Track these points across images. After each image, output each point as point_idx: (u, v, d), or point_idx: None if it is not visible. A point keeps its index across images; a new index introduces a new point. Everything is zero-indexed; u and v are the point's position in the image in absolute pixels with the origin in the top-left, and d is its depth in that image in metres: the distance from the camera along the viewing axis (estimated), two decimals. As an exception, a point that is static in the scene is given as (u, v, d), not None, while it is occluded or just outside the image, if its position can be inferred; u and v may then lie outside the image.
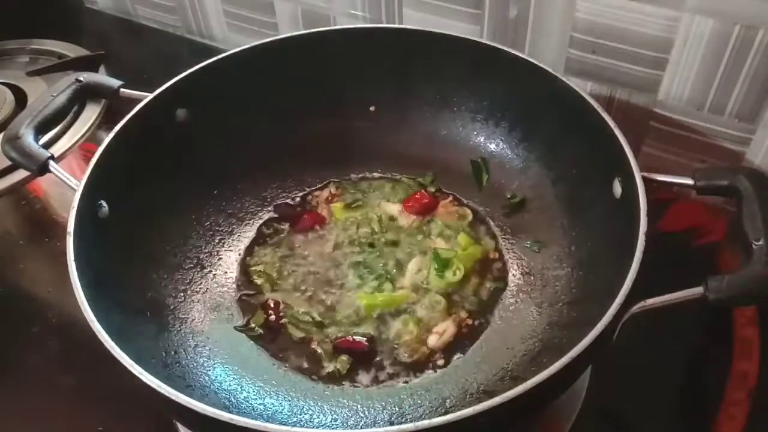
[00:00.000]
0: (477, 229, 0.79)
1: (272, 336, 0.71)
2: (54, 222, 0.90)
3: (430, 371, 0.67)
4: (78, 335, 0.73)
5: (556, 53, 0.84)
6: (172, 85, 0.76)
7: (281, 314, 0.73)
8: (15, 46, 1.13)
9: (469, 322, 0.71)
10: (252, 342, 0.71)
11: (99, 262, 0.64)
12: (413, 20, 0.92)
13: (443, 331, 0.70)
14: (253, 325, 0.72)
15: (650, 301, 0.55)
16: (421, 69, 0.83)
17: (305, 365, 0.68)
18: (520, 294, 0.73)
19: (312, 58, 0.83)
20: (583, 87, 0.79)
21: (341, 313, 0.72)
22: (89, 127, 0.96)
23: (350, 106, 0.86)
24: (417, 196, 0.82)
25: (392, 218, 0.81)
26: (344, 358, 0.68)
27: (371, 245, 0.78)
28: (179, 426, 0.67)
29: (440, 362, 0.68)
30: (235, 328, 0.72)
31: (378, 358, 0.69)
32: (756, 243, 0.56)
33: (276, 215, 0.83)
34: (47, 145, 0.83)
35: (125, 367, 0.52)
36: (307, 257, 0.78)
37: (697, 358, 0.73)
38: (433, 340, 0.69)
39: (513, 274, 0.75)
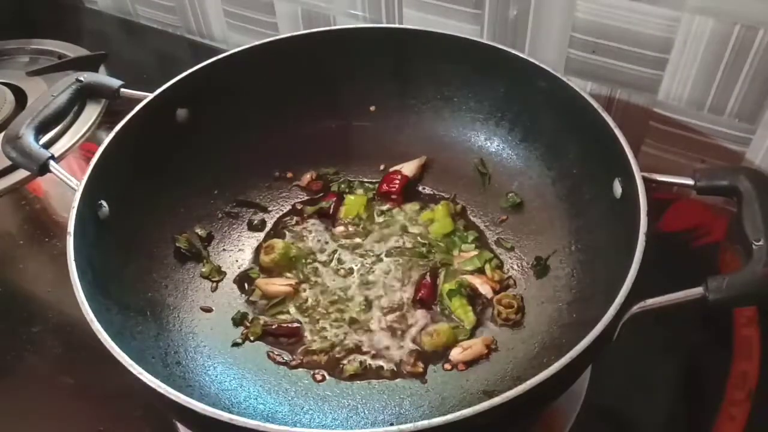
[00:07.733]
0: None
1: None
2: (54, 222, 0.90)
3: (431, 372, 0.67)
4: (78, 335, 0.74)
5: (556, 53, 0.84)
6: (172, 85, 0.76)
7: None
8: (15, 46, 1.13)
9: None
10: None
11: (99, 262, 0.64)
12: (413, 20, 0.92)
13: (469, 346, 0.68)
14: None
15: (650, 302, 0.55)
16: (421, 69, 0.83)
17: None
18: (521, 294, 0.73)
19: (312, 58, 0.83)
20: (583, 87, 0.78)
21: (349, 318, 0.72)
22: (89, 127, 0.96)
23: (350, 106, 0.86)
24: (393, 177, 0.83)
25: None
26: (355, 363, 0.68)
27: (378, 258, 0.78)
28: (179, 426, 0.67)
29: (448, 365, 0.68)
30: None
31: (381, 362, 0.69)
32: (756, 243, 0.56)
33: (276, 215, 0.83)
34: (47, 145, 0.83)
35: (125, 367, 0.52)
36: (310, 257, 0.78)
37: (697, 358, 0.73)
38: (456, 352, 0.68)
39: (513, 275, 0.75)
